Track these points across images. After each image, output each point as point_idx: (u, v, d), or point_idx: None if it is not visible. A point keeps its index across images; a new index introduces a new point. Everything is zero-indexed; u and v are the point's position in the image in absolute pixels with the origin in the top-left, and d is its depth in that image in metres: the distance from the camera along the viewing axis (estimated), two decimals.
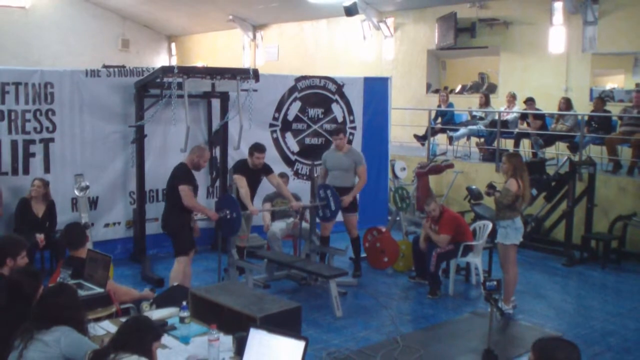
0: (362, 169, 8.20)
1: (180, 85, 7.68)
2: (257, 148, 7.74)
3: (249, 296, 4.84)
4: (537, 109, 11.54)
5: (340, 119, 10.48)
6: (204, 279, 7.82)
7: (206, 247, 9.35)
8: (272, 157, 9.44)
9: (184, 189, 6.68)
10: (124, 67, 9.23)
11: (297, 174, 10.26)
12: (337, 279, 7.01)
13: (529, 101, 11.61)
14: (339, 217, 8.20)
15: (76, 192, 7.88)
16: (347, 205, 8.00)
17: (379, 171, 10.65)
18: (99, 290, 4.98)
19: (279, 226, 8.53)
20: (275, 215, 8.76)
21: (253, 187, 7.79)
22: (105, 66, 10.09)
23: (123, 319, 4.16)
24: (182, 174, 6.78)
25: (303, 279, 7.79)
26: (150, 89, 8.38)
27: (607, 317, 6.95)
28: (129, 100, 8.58)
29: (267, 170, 7.91)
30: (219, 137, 9.14)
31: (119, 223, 8.85)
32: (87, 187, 7.74)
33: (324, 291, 7.38)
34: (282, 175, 8.95)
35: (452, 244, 7.62)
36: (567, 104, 11.20)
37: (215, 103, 9.20)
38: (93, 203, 8.47)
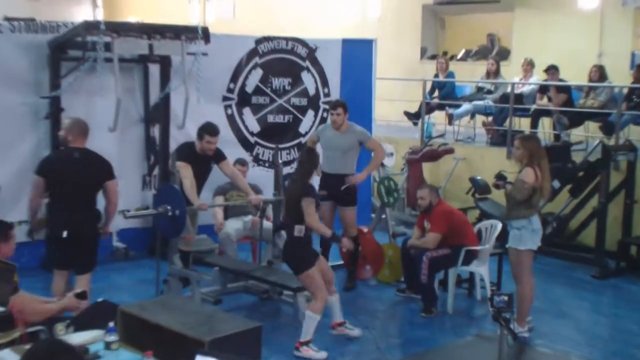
0: (374, 143, 8.36)
1: (108, 46, 7.63)
2: (209, 130, 7.74)
3: (196, 314, 4.85)
4: (561, 80, 11.63)
5: (312, 92, 10.52)
6: (137, 292, 7.79)
7: (141, 252, 9.31)
8: (225, 138, 9.38)
9: (115, 184, 6.69)
10: (33, 20, 9.07)
11: (257, 159, 10.27)
12: (305, 292, 7.01)
13: (551, 70, 11.67)
14: None
15: None
16: (359, 181, 8.06)
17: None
18: None
19: (234, 226, 8.53)
20: (229, 212, 8.75)
21: (201, 177, 7.80)
22: (7, 19, 9.91)
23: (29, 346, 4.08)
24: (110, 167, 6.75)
25: (264, 292, 7.79)
26: (68, 50, 8.35)
27: None
28: (41, 65, 8.51)
29: (218, 156, 7.91)
30: (158, 113, 9.09)
31: (26, 222, 8.69)
32: None
33: (290, 307, 7.38)
34: (242, 163, 8.94)
35: (449, 247, 7.67)
36: (600, 73, 11.29)
37: (154, 70, 9.17)
38: None
